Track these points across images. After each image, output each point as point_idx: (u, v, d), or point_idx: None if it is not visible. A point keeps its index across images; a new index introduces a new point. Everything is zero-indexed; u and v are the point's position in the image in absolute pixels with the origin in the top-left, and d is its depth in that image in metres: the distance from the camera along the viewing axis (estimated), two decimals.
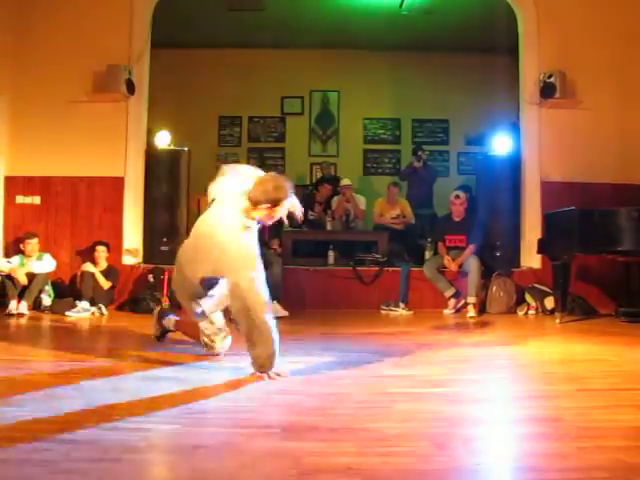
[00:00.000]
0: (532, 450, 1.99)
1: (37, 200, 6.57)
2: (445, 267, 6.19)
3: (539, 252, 6.09)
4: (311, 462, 1.85)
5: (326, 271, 6.53)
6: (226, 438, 2.07)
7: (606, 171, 6.38)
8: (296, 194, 3.28)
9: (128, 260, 6.54)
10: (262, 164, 9.64)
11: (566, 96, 6.45)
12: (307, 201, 7.95)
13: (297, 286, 6.27)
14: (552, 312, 5.71)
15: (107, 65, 6.39)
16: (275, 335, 2.98)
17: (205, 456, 1.91)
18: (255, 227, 3.23)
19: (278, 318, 5.41)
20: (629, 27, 6.57)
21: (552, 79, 6.42)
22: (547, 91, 6.45)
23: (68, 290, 6.14)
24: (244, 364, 3.33)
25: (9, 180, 6.55)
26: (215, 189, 3.38)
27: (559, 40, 6.57)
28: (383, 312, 6.09)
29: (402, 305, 6.13)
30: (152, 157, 6.77)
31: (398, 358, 3.66)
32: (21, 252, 6.01)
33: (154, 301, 5.91)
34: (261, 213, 3.16)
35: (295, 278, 6.36)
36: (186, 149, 6.87)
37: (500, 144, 6.85)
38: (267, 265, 5.81)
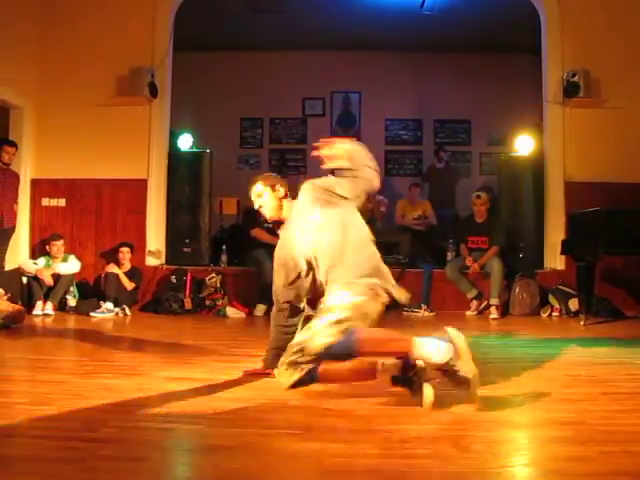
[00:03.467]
0: (556, 454, 1.97)
1: (62, 202, 6.68)
2: (467, 268, 6.15)
3: (563, 253, 6.02)
4: (332, 463, 1.86)
5: None
6: (248, 439, 2.08)
7: (632, 171, 6.27)
8: None
9: (151, 261, 6.61)
10: (283, 165, 9.70)
11: (590, 95, 6.37)
12: None
13: None
14: (576, 314, 5.63)
15: (130, 69, 6.47)
16: None
17: (227, 456, 1.93)
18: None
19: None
20: None
21: (576, 78, 6.35)
22: (571, 90, 6.38)
23: (93, 291, 6.23)
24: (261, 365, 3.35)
25: (35, 183, 6.67)
26: None
27: (583, 38, 6.48)
28: (405, 314, 6.06)
29: (424, 307, 6.10)
30: (175, 159, 6.84)
31: None
32: (47, 253, 6.11)
33: (176, 302, 5.97)
34: None
35: None
36: (208, 151, 6.93)
37: (523, 144, 6.79)
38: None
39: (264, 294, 5.86)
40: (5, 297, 5.06)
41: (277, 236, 6.04)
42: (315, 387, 2.88)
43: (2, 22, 5.95)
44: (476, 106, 9.20)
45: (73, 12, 6.70)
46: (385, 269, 2.87)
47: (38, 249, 6.52)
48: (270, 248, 6.30)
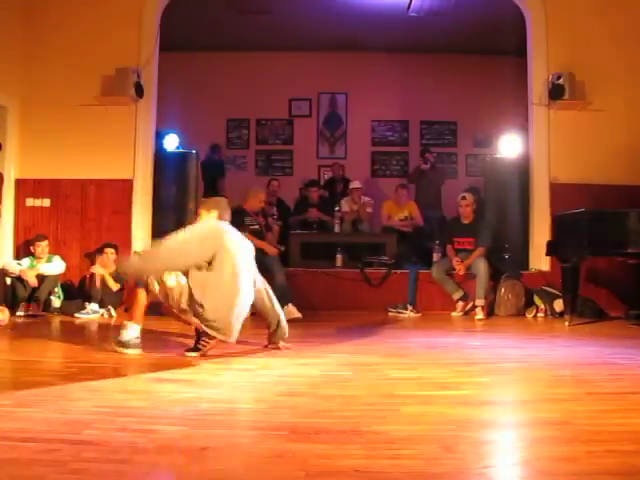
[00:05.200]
0: (541, 454, 1.97)
1: (47, 203, 6.62)
2: (453, 269, 6.18)
3: (548, 254, 6.07)
4: (318, 464, 1.85)
5: (334, 273, 6.53)
6: (233, 440, 2.07)
7: (616, 173, 6.34)
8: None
9: None
10: (270, 166, 9.69)
11: (575, 97, 6.43)
12: (302, 205, 7.99)
13: (305, 288, 6.27)
14: (561, 315, 5.68)
15: (116, 68, 6.43)
16: None
17: (213, 458, 1.91)
18: None
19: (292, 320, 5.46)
20: (639, 27, 6.54)
21: (561, 80, 6.41)
22: (556, 92, 6.43)
23: (77, 292, 6.17)
24: (252, 366, 3.35)
25: (19, 183, 6.60)
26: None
27: (568, 41, 6.55)
28: (391, 314, 6.08)
29: (410, 307, 6.11)
30: (161, 159, 6.81)
31: (406, 360, 3.65)
32: (31, 254, 6.05)
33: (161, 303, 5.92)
34: None
35: (303, 280, 6.36)
36: (194, 151, 6.89)
37: (508, 146, 6.84)
38: (269, 272, 5.86)
39: None
40: None
41: (263, 238, 6.07)
42: (301, 388, 2.88)
43: None
44: (462, 108, 9.26)
45: (59, 11, 6.64)
46: None
47: (22, 250, 6.46)
48: (255, 249, 6.24)
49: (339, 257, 6.70)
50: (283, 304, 5.56)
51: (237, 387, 2.90)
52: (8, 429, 2.15)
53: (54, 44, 6.60)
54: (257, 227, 6.14)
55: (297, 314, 5.48)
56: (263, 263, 5.89)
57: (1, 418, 2.29)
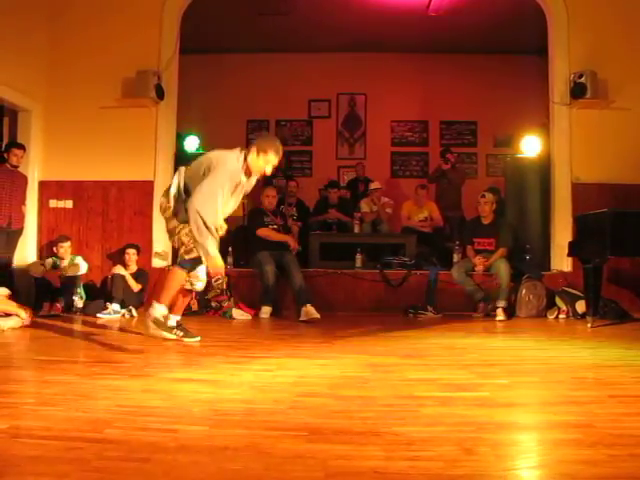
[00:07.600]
0: (563, 457, 1.95)
1: (69, 204, 6.72)
2: (474, 270, 6.14)
3: (570, 255, 5.99)
4: (337, 465, 1.85)
5: (353, 274, 6.53)
6: (253, 440, 2.08)
7: (639, 172, 6.25)
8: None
9: (157, 263, 6.63)
10: (289, 167, 9.71)
11: (597, 96, 6.35)
12: (321, 206, 7.99)
13: (324, 289, 6.28)
14: (583, 316, 5.61)
15: (137, 71, 6.50)
16: None
17: (232, 457, 1.92)
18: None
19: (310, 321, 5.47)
20: None
21: (583, 79, 6.33)
22: (577, 91, 6.36)
23: (99, 292, 6.25)
24: (271, 366, 3.36)
25: (43, 185, 6.71)
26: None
27: (589, 39, 6.47)
28: (410, 315, 6.06)
29: (430, 308, 6.09)
30: (181, 161, 6.84)
31: (425, 361, 3.63)
32: (54, 255, 6.14)
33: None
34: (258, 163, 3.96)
35: (322, 281, 6.37)
36: None
37: (529, 145, 6.77)
38: (287, 273, 5.91)
39: (267, 296, 5.86)
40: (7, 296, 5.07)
41: (284, 234, 6.27)
42: (320, 388, 2.88)
43: (12, 27, 6.00)
44: (482, 107, 9.20)
45: (80, 15, 6.74)
46: None
47: (45, 250, 6.56)
48: (274, 250, 6.31)
49: (358, 258, 6.69)
50: (302, 305, 5.60)
51: (256, 387, 2.91)
52: (31, 427, 2.18)
53: (76, 48, 6.69)
54: (275, 227, 6.19)
55: (316, 315, 5.49)
56: (281, 263, 5.94)
57: (24, 416, 2.32)
